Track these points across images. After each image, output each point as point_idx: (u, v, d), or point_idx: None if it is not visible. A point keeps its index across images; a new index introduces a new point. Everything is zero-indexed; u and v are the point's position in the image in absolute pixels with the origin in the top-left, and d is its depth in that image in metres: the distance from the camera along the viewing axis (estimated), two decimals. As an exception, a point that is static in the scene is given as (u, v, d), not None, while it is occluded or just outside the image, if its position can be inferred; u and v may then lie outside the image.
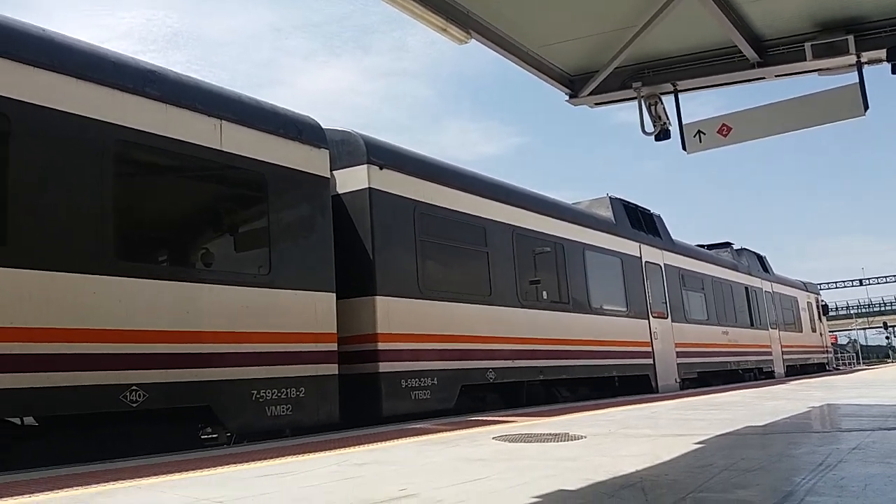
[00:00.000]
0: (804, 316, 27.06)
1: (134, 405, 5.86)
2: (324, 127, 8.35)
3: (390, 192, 9.01)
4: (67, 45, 6.04)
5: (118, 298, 5.88)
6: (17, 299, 5.29)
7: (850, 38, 6.60)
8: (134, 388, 5.87)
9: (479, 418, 8.31)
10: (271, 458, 5.15)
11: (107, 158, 6.02)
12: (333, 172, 8.55)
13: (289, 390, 7.12)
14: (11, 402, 5.23)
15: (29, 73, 5.59)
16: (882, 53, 6.67)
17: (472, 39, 5.80)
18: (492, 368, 10.07)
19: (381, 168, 8.92)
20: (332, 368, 7.65)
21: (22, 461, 5.48)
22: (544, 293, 11.85)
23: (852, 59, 6.75)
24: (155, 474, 4.47)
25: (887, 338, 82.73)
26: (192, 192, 7.05)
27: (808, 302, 27.80)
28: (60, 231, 5.65)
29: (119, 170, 6.13)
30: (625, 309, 14.26)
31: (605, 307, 13.51)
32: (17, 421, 5.76)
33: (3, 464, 5.49)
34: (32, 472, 4.90)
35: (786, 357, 23.62)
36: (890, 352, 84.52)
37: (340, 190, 8.79)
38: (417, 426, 7.48)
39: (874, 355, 78.92)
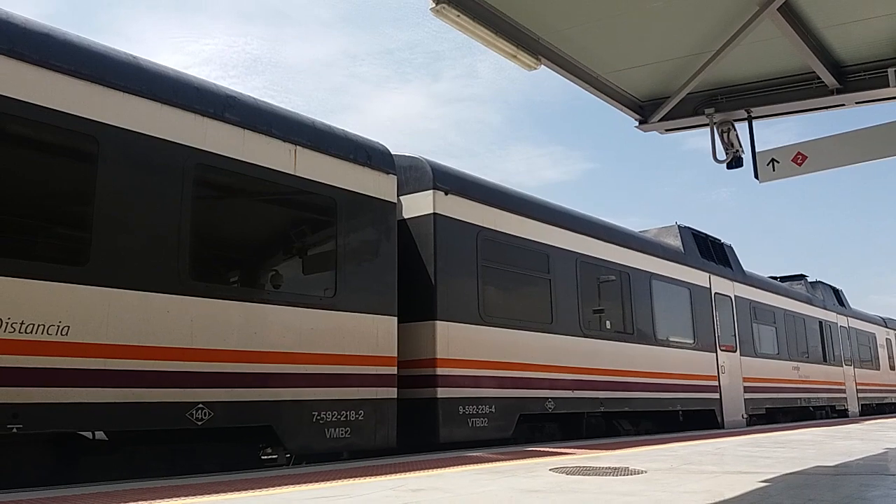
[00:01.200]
0: (882, 353, 25.82)
1: (199, 423, 5.96)
2: (392, 153, 8.44)
3: (454, 217, 9.02)
4: (154, 71, 6.27)
5: (190, 318, 6.02)
6: (98, 317, 5.46)
7: (937, 63, 6.33)
8: (200, 406, 5.97)
9: (537, 448, 8.15)
10: (328, 480, 5.14)
11: (187, 181, 6.21)
12: (400, 197, 8.63)
13: (348, 413, 7.14)
14: (85, 417, 5.38)
15: (119, 99, 5.84)
16: (969, 80, 6.36)
17: (542, 65, 5.78)
18: (551, 398, 9.90)
19: (446, 193, 8.95)
20: (392, 392, 7.64)
21: (90, 474, 5.63)
22: (608, 322, 11.62)
23: (937, 85, 6.46)
24: (216, 492, 4.51)
25: (973, 379, 78.23)
26: (265, 215, 7.21)
27: (886, 338, 26.54)
28: (141, 251, 5.83)
29: (198, 192, 6.32)
30: (692, 341, 13.86)
31: (670, 339, 13.17)
32: (88, 435, 5.92)
33: (73, 476, 5.65)
34: (100, 485, 5.02)
35: (861, 395, 22.54)
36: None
37: (406, 215, 8.86)
38: (474, 454, 7.38)
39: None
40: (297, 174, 7.12)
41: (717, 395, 14.19)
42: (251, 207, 7.02)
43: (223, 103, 6.65)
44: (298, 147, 7.18)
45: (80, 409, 5.31)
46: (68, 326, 5.30)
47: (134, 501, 4.12)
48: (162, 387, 5.78)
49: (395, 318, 7.86)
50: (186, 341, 5.98)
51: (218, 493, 4.51)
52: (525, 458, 6.89)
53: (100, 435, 5.99)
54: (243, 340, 6.40)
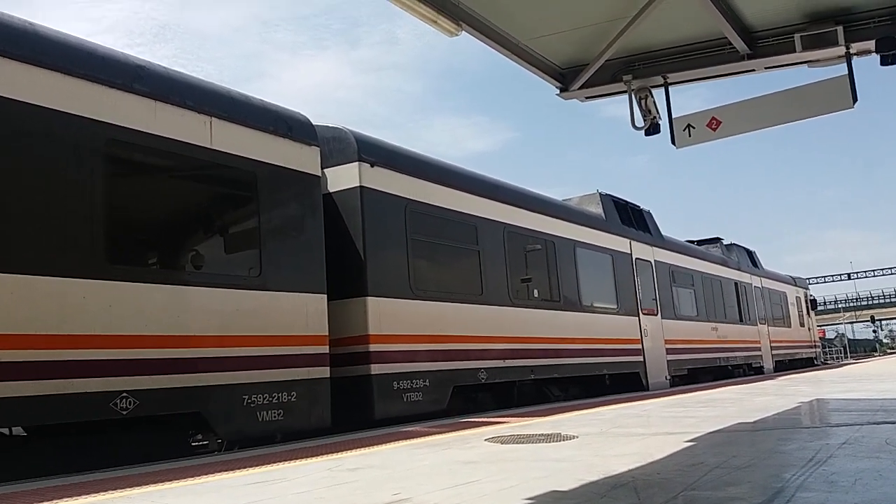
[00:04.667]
0: (793, 311, 27.20)
1: (124, 413, 5.72)
2: (314, 123, 8.23)
3: (382, 190, 8.91)
4: (55, 39, 5.88)
5: (108, 303, 5.75)
6: (8, 305, 5.15)
7: (840, 28, 6.60)
8: (124, 395, 5.74)
9: (471, 420, 8.22)
10: (263, 464, 5.03)
11: (96, 158, 5.88)
12: (324, 170, 8.43)
13: (280, 395, 7.01)
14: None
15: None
16: (871, 45, 6.66)
17: (463, 32, 5.73)
18: (483, 369, 9.99)
19: (372, 165, 8.81)
20: (325, 371, 7.53)
21: (9, 473, 5.34)
22: (535, 291, 11.79)
23: (841, 50, 6.74)
24: (145, 484, 4.35)
25: (874, 331, 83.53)
26: (182, 191, 6.92)
27: (796, 297, 27.94)
28: (50, 234, 5.50)
29: (108, 170, 5.99)
30: (615, 306, 14.22)
31: (595, 305, 13.47)
32: (4, 431, 5.61)
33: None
34: (20, 483, 4.77)
35: (774, 353, 23.71)
36: (877, 345, 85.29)
37: (332, 188, 8.68)
38: (409, 429, 7.38)
39: (861, 349, 79.58)
40: (213, 147, 6.83)
41: (640, 358, 14.65)
42: (167, 184, 6.73)
43: (132, 74, 6.31)
44: (214, 119, 6.88)
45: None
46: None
47: (58, 499, 3.92)
48: (81, 376, 5.51)
49: (325, 296, 7.72)
50: (105, 328, 5.71)
51: (147, 484, 4.35)
52: (460, 429, 6.93)
53: (17, 430, 5.69)
54: (165, 325, 6.16)
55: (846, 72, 6.82)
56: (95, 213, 5.80)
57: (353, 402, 8.17)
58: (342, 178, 8.68)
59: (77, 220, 5.68)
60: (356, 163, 8.65)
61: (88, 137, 5.84)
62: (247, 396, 6.72)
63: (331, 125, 8.90)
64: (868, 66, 7.21)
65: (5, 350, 5.12)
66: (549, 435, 5.98)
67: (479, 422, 7.77)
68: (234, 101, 7.24)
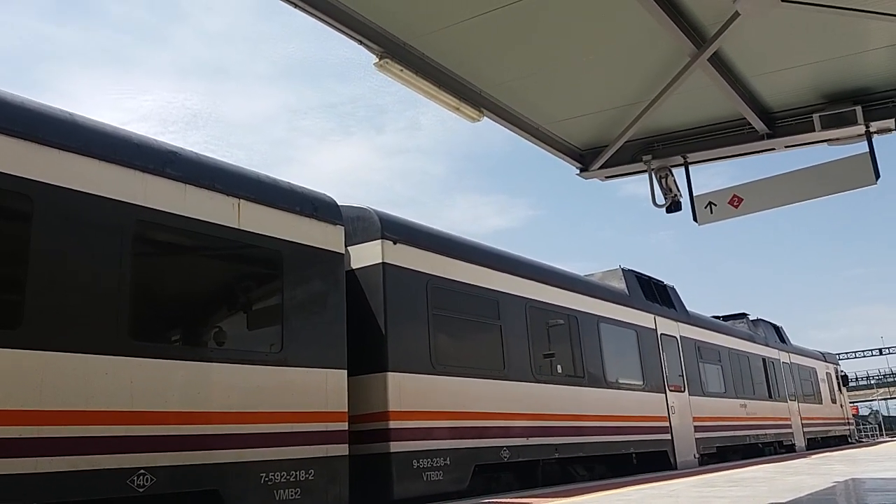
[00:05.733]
0: (823, 387, 26.48)
1: (141, 490, 5.68)
2: (339, 203, 8.40)
3: (404, 266, 8.98)
4: (91, 127, 6.14)
5: (130, 379, 5.79)
6: (33, 382, 5.21)
7: (858, 108, 6.66)
8: (142, 471, 5.71)
9: (493, 500, 8.02)
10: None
11: (126, 239, 6.05)
12: (348, 248, 8.56)
13: (298, 472, 6.91)
14: (17, 489, 5.07)
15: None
16: (891, 123, 6.72)
17: (484, 117, 5.88)
18: (506, 447, 9.80)
19: (395, 243, 8.92)
20: (343, 449, 7.44)
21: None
22: (559, 367, 11.65)
23: (861, 129, 6.79)
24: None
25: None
26: (208, 270, 7.04)
27: (826, 372, 27.26)
28: (78, 311, 5.60)
29: (136, 249, 6.14)
30: (641, 382, 13.98)
31: (620, 381, 13.26)
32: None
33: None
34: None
35: (806, 429, 23.00)
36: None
37: (355, 265, 8.78)
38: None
39: (897, 426, 76.79)
40: (241, 227, 7.01)
41: (668, 436, 14.29)
42: (193, 263, 6.85)
43: (164, 158, 6.54)
44: (242, 200, 7.07)
45: (10, 482, 5.00)
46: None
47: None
48: (101, 453, 5.50)
49: (345, 371, 7.70)
50: (126, 404, 5.73)
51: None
52: (481, 510, 6.76)
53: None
54: (186, 401, 6.17)
55: (867, 149, 6.85)
56: (122, 290, 5.92)
57: (372, 482, 8.03)
58: (366, 255, 8.79)
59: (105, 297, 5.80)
60: (379, 240, 8.77)
61: (119, 218, 6.01)
62: (264, 474, 6.64)
63: (356, 205, 9.07)
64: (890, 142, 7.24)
65: (27, 426, 5.14)
66: (572, 519, 5.81)
67: (501, 503, 7.58)
68: (261, 183, 7.43)
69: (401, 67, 5.22)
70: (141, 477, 5.70)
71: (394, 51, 5.25)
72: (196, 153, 7.02)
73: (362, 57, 5.05)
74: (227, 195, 6.95)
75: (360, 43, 5.11)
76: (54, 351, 5.40)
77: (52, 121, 5.83)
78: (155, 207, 6.31)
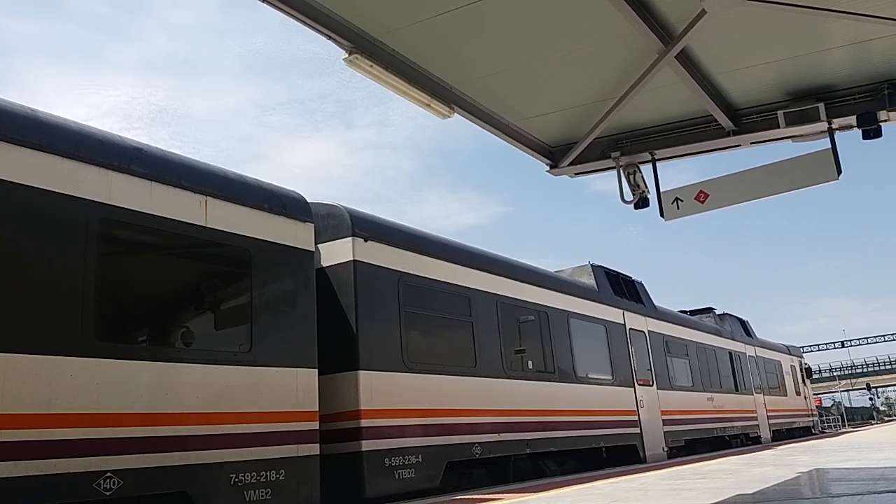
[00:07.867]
0: (788, 380, 27.01)
1: (108, 493, 5.57)
2: (309, 200, 8.32)
3: (375, 263, 8.94)
4: (54, 124, 6.00)
5: (96, 381, 5.67)
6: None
7: (821, 105, 6.79)
8: (108, 474, 5.60)
9: (465, 497, 8.03)
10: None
11: (90, 237, 5.92)
12: (318, 246, 8.48)
13: (268, 473, 6.84)
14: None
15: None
16: (852, 120, 6.85)
17: (455, 114, 5.87)
18: (477, 443, 9.81)
19: (365, 240, 8.86)
20: (314, 448, 7.38)
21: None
22: (529, 363, 11.70)
23: (824, 125, 6.93)
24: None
25: (871, 399, 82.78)
26: (175, 269, 6.92)
27: (791, 365, 27.80)
28: (41, 312, 5.47)
29: (103, 249, 6.02)
30: (610, 377, 14.11)
31: (590, 376, 13.36)
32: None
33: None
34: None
35: (771, 421, 23.43)
36: (874, 413, 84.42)
37: (325, 263, 8.70)
38: (403, 507, 7.19)
39: (858, 417, 78.74)
40: (208, 225, 6.90)
41: (637, 430, 14.44)
42: (160, 262, 6.74)
43: (129, 155, 6.41)
44: (209, 198, 6.97)
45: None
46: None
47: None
48: (66, 456, 5.39)
49: (316, 370, 7.64)
50: (92, 406, 5.62)
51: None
52: (454, 507, 6.76)
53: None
54: (153, 402, 6.07)
55: (829, 146, 6.98)
56: (87, 289, 5.80)
57: (344, 481, 7.98)
58: (336, 252, 8.72)
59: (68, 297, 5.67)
60: (350, 238, 8.71)
61: (82, 216, 5.88)
62: (234, 475, 6.56)
63: (326, 202, 9.00)
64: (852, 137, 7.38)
65: (-11, 430, 5.01)
66: (544, 514, 5.84)
67: (473, 499, 7.59)
68: (229, 180, 7.33)
69: (371, 63, 5.19)
70: (107, 480, 5.60)
71: (364, 46, 5.21)
72: (162, 150, 6.90)
73: (331, 52, 5.04)
74: (194, 192, 6.84)
75: (330, 38, 5.06)
76: (15, 353, 5.27)
77: (11, 116, 5.69)
78: (119, 205, 6.18)
